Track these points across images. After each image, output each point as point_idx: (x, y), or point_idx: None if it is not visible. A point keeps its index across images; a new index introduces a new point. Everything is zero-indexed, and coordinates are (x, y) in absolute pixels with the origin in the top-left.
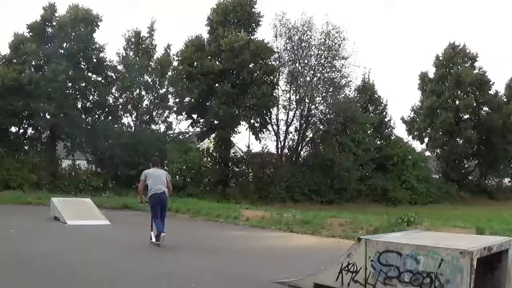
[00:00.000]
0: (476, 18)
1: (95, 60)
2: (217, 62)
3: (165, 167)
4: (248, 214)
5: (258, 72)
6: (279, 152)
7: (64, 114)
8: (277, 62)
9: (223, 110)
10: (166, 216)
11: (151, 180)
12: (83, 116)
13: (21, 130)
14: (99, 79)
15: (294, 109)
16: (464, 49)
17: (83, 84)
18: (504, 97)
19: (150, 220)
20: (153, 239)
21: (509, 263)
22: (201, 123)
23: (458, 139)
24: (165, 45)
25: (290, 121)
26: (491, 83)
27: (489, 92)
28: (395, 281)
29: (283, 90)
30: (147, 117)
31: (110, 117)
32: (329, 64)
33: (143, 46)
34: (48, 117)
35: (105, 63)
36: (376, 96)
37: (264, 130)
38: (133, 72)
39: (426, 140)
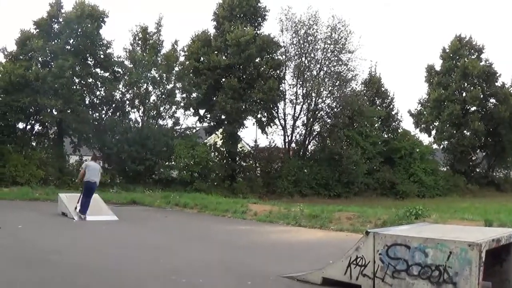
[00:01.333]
0: (482, 10)
1: (102, 56)
2: (223, 57)
3: (172, 162)
4: (256, 209)
5: (264, 66)
6: (287, 147)
7: (71, 110)
8: (284, 57)
9: (230, 105)
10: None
11: (89, 171)
12: (90, 112)
13: (28, 126)
14: (106, 74)
15: (301, 103)
16: (470, 41)
17: (90, 80)
18: (511, 88)
19: (81, 199)
20: (78, 208)
21: None
22: (208, 118)
23: (465, 131)
24: (173, 40)
25: (297, 115)
26: (497, 74)
27: (496, 83)
28: (403, 274)
29: (289, 85)
30: (154, 112)
31: (117, 113)
32: (336, 58)
33: (150, 41)
34: (55, 113)
35: (112, 59)
36: (383, 89)
37: (271, 124)
38: (140, 67)
39: (433, 132)
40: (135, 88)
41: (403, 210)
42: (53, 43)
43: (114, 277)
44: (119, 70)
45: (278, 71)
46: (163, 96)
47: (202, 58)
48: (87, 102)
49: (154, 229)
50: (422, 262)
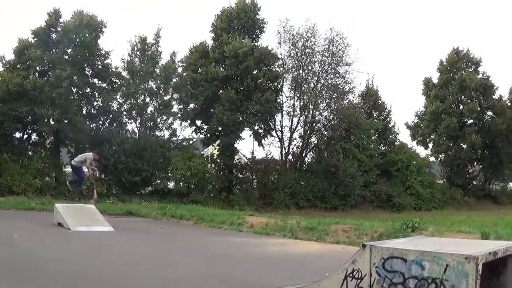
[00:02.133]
0: (480, 22)
1: (100, 66)
2: (221, 69)
3: (169, 173)
4: (252, 221)
5: (262, 78)
6: (283, 158)
7: (68, 120)
8: (281, 69)
9: (227, 117)
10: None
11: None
12: (87, 122)
13: (25, 136)
14: (104, 85)
15: (298, 115)
16: (468, 54)
17: (88, 90)
18: (508, 101)
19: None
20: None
21: None
22: (205, 129)
23: (462, 144)
24: (171, 51)
25: (294, 128)
26: (495, 87)
27: (493, 96)
28: (400, 287)
29: (287, 97)
30: (151, 123)
31: (114, 124)
32: (333, 70)
33: (149, 52)
34: (52, 122)
35: (110, 69)
36: (380, 101)
37: (268, 136)
38: (138, 78)
39: (430, 145)
40: (133, 99)
41: (400, 223)
42: (51, 52)
43: (111, 287)
44: (117, 80)
45: (275, 83)
46: (160, 107)
47: (199, 70)
48: (84, 112)
49: (150, 241)
50: (419, 275)
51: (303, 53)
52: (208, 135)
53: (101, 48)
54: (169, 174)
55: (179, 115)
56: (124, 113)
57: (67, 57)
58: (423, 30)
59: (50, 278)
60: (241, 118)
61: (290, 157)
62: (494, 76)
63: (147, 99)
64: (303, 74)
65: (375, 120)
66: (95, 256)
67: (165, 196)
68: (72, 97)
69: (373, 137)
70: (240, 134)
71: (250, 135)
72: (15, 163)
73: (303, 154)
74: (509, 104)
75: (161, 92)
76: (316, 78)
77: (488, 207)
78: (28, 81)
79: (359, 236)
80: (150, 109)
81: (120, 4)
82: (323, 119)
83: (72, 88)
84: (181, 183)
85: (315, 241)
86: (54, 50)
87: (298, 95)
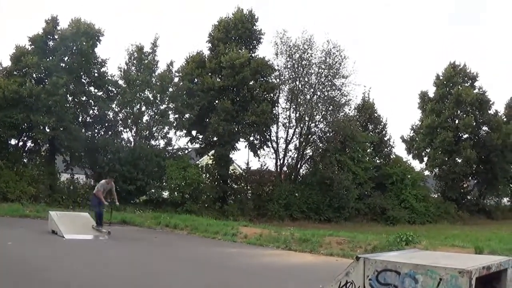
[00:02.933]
0: (477, 38)
1: (96, 74)
2: (217, 79)
3: (164, 182)
4: (246, 232)
5: (258, 89)
6: (278, 170)
7: (63, 127)
8: (278, 80)
9: (223, 127)
10: None
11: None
12: (82, 130)
13: (21, 143)
14: (100, 93)
15: (294, 127)
16: (464, 68)
17: (84, 98)
18: (504, 116)
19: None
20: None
21: (509, 282)
22: (200, 139)
23: (457, 158)
24: (168, 61)
25: (289, 139)
26: (491, 102)
27: (489, 111)
28: None
29: (283, 108)
30: (147, 132)
31: (109, 132)
32: (329, 83)
33: (145, 61)
34: (48, 130)
35: (106, 78)
36: (376, 115)
37: (264, 147)
38: (134, 87)
39: (425, 159)
40: (128, 108)
41: (394, 236)
42: (47, 60)
43: None
44: (113, 89)
45: (271, 94)
46: (156, 116)
47: (196, 79)
48: (80, 120)
49: (144, 250)
50: None
51: (299, 64)
52: (203, 145)
53: (98, 56)
54: (164, 184)
55: (174, 124)
56: (120, 121)
57: (63, 64)
58: (420, 44)
59: (43, 285)
60: (236, 129)
61: (285, 168)
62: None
63: (143, 108)
64: (300, 86)
65: (371, 133)
66: (88, 265)
67: (160, 205)
68: (68, 105)
69: (368, 150)
70: (236, 145)
71: (246, 146)
72: (10, 170)
73: (298, 166)
74: (505, 119)
75: (157, 101)
76: (312, 90)
77: (482, 222)
78: (24, 88)
79: (353, 248)
80: (145, 118)
81: (118, 12)
82: (319, 131)
83: (68, 96)
84: (175, 193)
85: (309, 253)
86: (51, 58)
87: (294, 106)
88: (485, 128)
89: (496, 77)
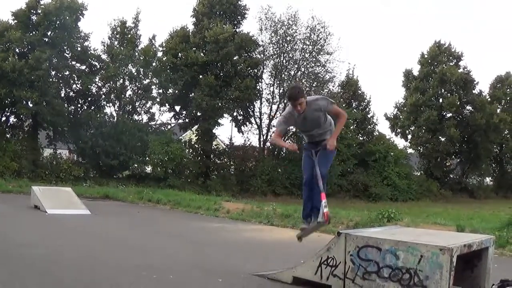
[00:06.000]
0: (462, 17)
1: (79, 49)
2: (201, 54)
3: (147, 158)
4: (229, 207)
5: (242, 64)
6: (261, 146)
7: (46, 102)
8: (262, 56)
9: (206, 102)
10: None
11: None
12: (65, 105)
13: (3, 118)
14: (83, 68)
15: (278, 103)
16: (449, 48)
17: (67, 73)
18: (488, 96)
19: None
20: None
21: (489, 261)
22: (183, 114)
23: (441, 137)
24: (150, 35)
25: (273, 115)
26: (475, 82)
27: (473, 91)
28: (374, 276)
29: (267, 84)
30: (130, 107)
31: (92, 107)
32: (314, 59)
33: (128, 36)
34: (31, 105)
35: (89, 52)
36: (360, 92)
37: (247, 123)
38: (117, 61)
39: (409, 137)
40: (112, 82)
41: (376, 213)
42: (31, 34)
43: (84, 273)
44: (96, 63)
45: (255, 70)
46: (139, 91)
47: (180, 54)
48: (62, 95)
49: (127, 225)
50: (393, 264)
51: (284, 40)
52: (187, 120)
53: (81, 30)
54: (147, 159)
55: (158, 99)
56: (103, 96)
57: (47, 39)
58: (405, 22)
59: (22, 262)
60: (220, 104)
61: (268, 144)
62: (475, 71)
63: (126, 83)
64: (284, 62)
65: (354, 110)
66: (70, 240)
67: (142, 180)
68: (51, 79)
69: (351, 127)
70: (219, 120)
71: (230, 121)
72: None
73: None
74: (489, 99)
75: (141, 76)
76: (296, 66)
77: (464, 201)
78: (7, 63)
79: (334, 224)
80: (129, 93)
81: None
82: None
83: (51, 70)
84: (158, 168)
85: (291, 228)
86: (34, 32)
87: (278, 82)
88: (469, 107)
89: (481, 57)
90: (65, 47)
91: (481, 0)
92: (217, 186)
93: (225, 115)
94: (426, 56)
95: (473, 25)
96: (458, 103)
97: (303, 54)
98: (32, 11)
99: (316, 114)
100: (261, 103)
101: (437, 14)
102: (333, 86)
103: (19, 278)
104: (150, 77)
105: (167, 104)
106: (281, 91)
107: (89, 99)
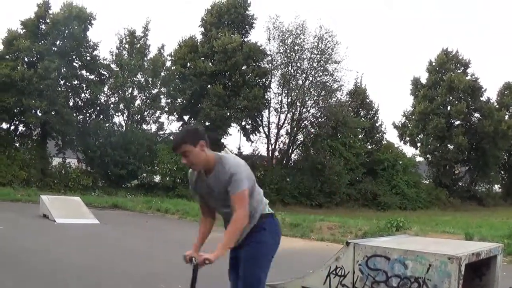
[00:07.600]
0: (469, 25)
1: (88, 58)
2: (210, 63)
3: (155, 167)
4: None
5: (250, 74)
6: (270, 155)
7: (55, 111)
8: (270, 65)
9: (215, 112)
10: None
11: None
12: (74, 114)
13: (12, 127)
14: (92, 77)
15: (286, 112)
16: (457, 55)
17: (76, 82)
18: (496, 103)
19: None
20: None
21: (498, 269)
22: (192, 124)
23: (449, 145)
24: (159, 45)
25: (281, 124)
26: (483, 89)
27: (481, 98)
28: (382, 285)
29: (275, 93)
30: (139, 116)
31: (101, 116)
32: (322, 68)
33: (137, 45)
34: (40, 114)
35: (98, 61)
36: (368, 100)
37: (255, 132)
38: (126, 71)
39: (418, 145)
40: (120, 92)
41: (384, 222)
42: (39, 43)
43: (92, 281)
44: (105, 73)
45: (263, 79)
46: (148, 100)
47: (188, 64)
48: (71, 104)
49: (135, 234)
50: (402, 274)
51: (292, 49)
52: None
53: (90, 40)
54: (156, 168)
55: (166, 109)
56: (112, 105)
57: (55, 48)
58: (413, 31)
59: (31, 269)
60: (228, 114)
61: (276, 153)
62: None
63: (135, 92)
64: (292, 71)
65: (362, 118)
66: (78, 249)
67: (151, 189)
68: (60, 88)
69: (360, 136)
70: (227, 130)
71: (238, 131)
72: (2, 154)
73: (290, 151)
74: (497, 106)
75: (149, 85)
76: (304, 75)
77: (473, 209)
78: (16, 72)
79: (343, 233)
80: (137, 102)
81: None
82: (311, 116)
83: (60, 79)
84: (167, 177)
85: (300, 238)
86: (42, 42)
87: (286, 91)
88: (477, 115)
89: (489, 64)
90: (74, 56)
91: (487, 6)
92: None
93: (233, 124)
94: (434, 63)
95: (480, 31)
96: (466, 111)
97: (311, 63)
98: (40, 20)
99: (220, 185)
100: (269, 113)
101: (444, 21)
102: (341, 95)
103: (27, 284)
104: (158, 87)
105: (175, 114)
106: (289, 100)
107: (98, 108)
